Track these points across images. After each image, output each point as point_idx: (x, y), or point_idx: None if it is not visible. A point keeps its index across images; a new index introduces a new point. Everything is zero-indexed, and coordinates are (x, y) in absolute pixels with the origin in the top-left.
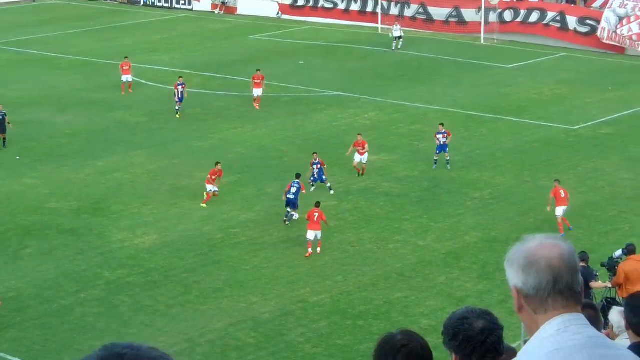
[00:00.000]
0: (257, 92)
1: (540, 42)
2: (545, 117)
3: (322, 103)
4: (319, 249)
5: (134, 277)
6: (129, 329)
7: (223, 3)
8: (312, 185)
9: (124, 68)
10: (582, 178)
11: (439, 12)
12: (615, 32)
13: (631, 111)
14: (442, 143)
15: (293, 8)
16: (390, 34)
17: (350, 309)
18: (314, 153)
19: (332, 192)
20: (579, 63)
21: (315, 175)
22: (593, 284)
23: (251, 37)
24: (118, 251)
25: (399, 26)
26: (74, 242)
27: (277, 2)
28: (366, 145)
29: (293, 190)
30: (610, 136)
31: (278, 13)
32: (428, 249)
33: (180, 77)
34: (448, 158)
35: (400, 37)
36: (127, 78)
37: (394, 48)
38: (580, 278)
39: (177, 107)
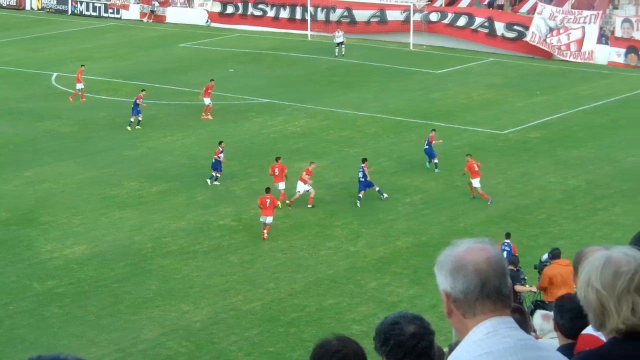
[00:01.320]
0: (207, 100)
1: (468, 47)
2: (475, 121)
3: (252, 110)
4: (266, 234)
5: (64, 288)
6: (59, 340)
7: (152, 11)
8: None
9: (79, 77)
10: (512, 182)
11: (363, 14)
12: (545, 40)
13: (559, 115)
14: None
15: (222, 16)
16: (333, 40)
17: (282, 316)
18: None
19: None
20: (507, 68)
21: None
22: (518, 288)
23: (181, 45)
24: (47, 262)
25: (341, 32)
26: (2, 254)
27: (207, 10)
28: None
29: (360, 174)
30: (538, 140)
31: (207, 21)
32: (359, 254)
33: (143, 90)
34: (433, 162)
35: (342, 43)
36: (80, 86)
37: (337, 54)
38: (509, 281)
39: (139, 118)
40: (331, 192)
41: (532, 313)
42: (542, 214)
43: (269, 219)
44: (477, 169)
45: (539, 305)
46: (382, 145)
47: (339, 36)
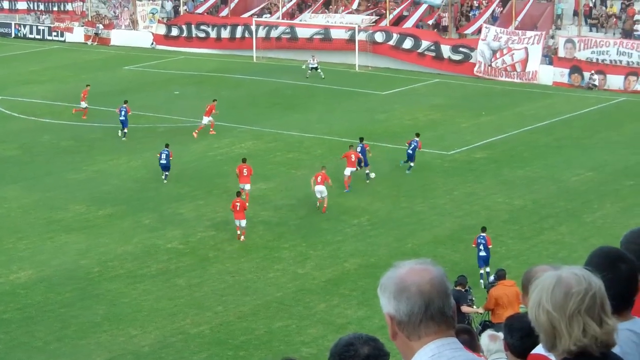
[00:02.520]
0: (206, 119)
1: (414, 68)
2: (421, 142)
3: (198, 133)
4: (242, 237)
5: (9, 314)
6: None
7: (96, 34)
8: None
9: (84, 96)
10: (459, 202)
11: (306, 31)
12: (490, 65)
13: (504, 135)
14: (409, 151)
15: (167, 38)
16: (304, 65)
17: (231, 339)
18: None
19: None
20: (452, 89)
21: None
22: (464, 309)
23: (125, 67)
24: None
25: (316, 59)
26: None
27: (152, 32)
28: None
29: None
30: (484, 160)
31: (152, 43)
32: (308, 276)
33: (125, 101)
34: (411, 165)
35: (316, 68)
36: (84, 104)
37: (307, 76)
38: (453, 302)
39: (124, 130)
40: (278, 214)
41: (480, 334)
42: (489, 234)
43: (242, 222)
44: (353, 159)
45: (487, 326)
46: (329, 166)
47: (313, 63)
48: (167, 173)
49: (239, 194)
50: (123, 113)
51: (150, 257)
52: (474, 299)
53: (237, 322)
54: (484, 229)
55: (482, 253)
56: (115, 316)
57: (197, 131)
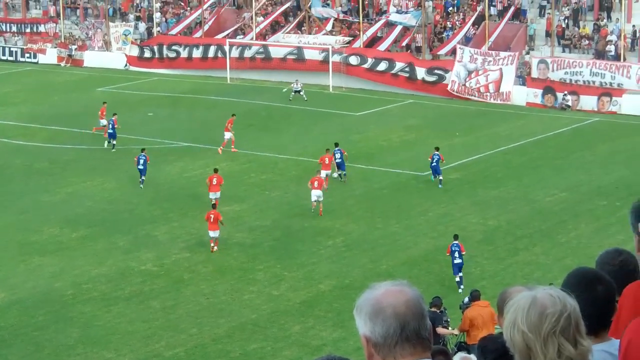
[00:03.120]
0: (228, 134)
1: (388, 89)
2: (395, 163)
3: (172, 154)
4: (215, 248)
5: None
6: None
7: (69, 55)
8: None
9: (102, 114)
10: (433, 223)
11: (279, 51)
12: (464, 84)
13: (478, 156)
14: (433, 164)
15: (141, 60)
16: (286, 89)
17: None
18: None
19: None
20: (426, 109)
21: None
22: (439, 330)
23: (99, 89)
24: None
25: (300, 84)
26: None
27: (125, 53)
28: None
29: (337, 155)
30: (458, 181)
31: (126, 65)
32: (282, 298)
33: (114, 114)
34: (440, 178)
35: (299, 92)
36: (103, 122)
37: (290, 99)
38: (429, 323)
39: (113, 142)
40: (252, 236)
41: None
42: (464, 255)
43: (214, 234)
44: (327, 162)
45: (463, 347)
46: (303, 188)
47: (297, 87)
48: (143, 177)
49: (214, 206)
50: (111, 125)
51: (125, 280)
52: (449, 320)
53: (212, 344)
54: (456, 237)
55: (457, 260)
56: (89, 339)
57: (221, 147)
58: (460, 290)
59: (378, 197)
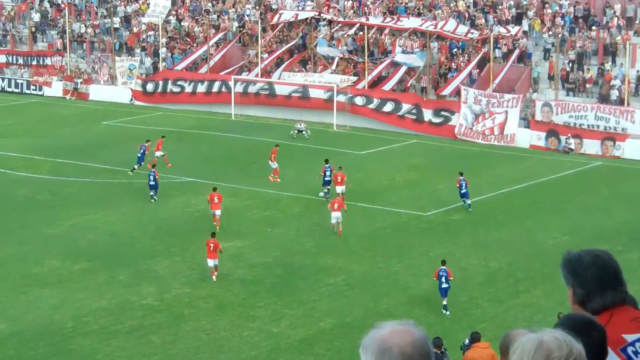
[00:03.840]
0: (274, 164)
1: (392, 129)
2: (398, 202)
3: (175, 189)
4: (214, 277)
5: None
6: None
7: (75, 89)
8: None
9: (159, 146)
10: (435, 263)
11: (284, 88)
12: (471, 128)
13: (481, 197)
14: (463, 190)
15: (146, 94)
16: (292, 131)
17: None
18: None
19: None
20: (430, 149)
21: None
22: None
23: (104, 122)
24: None
25: (303, 125)
26: None
27: (131, 88)
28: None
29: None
30: (460, 222)
31: (131, 99)
32: (282, 335)
33: (147, 140)
34: (469, 202)
35: (302, 131)
36: (159, 154)
37: (294, 137)
38: None
39: (135, 167)
40: (253, 272)
41: None
42: (465, 296)
43: (212, 262)
44: (340, 180)
45: None
46: (305, 225)
47: (301, 127)
48: (154, 192)
49: (213, 234)
50: (142, 151)
51: (125, 313)
52: None
53: None
54: (444, 262)
55: (444, 285)
56: None
57: (272, 175)
58: (447, 313)
59: (380, 236)
